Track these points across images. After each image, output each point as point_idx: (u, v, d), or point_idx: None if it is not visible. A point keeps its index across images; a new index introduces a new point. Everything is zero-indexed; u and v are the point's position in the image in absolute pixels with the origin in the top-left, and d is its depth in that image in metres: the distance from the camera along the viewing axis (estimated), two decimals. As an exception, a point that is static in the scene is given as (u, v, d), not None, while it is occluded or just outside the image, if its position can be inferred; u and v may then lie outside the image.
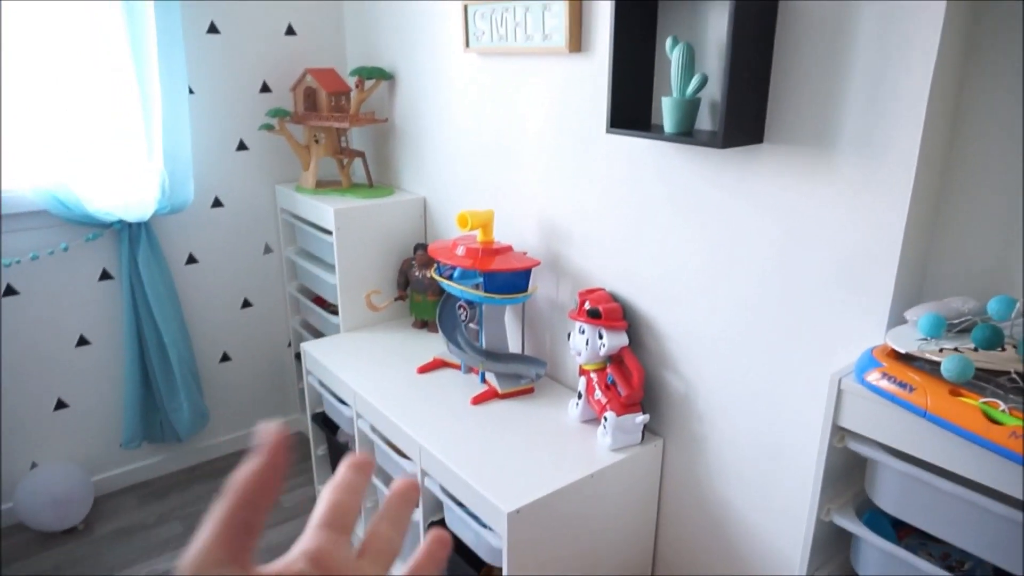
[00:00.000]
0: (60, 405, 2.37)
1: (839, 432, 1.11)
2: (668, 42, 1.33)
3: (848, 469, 1.19)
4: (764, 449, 1.46)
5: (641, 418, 1.61)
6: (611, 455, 1.61)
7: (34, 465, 2.37)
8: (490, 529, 1.52)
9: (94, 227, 2.24)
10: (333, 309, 2.38)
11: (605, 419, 1.63)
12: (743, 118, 1.25)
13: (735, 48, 1.18)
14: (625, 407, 1.62)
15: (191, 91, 2.33)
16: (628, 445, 1.64)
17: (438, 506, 1.73)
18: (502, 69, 1.89)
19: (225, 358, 2.67)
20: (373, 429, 1.92)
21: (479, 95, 2.00)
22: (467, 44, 1.93)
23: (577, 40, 1.63)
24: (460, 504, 1.61)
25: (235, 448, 2.78)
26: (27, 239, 2.17)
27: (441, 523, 1.74)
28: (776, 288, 1.36)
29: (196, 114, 2.35)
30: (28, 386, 2.30)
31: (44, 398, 2.34)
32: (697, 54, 1.37)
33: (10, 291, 2.19)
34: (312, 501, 2.48)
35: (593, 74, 1.63)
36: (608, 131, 1.42)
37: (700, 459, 1.61)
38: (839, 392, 1.08)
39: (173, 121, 2.19)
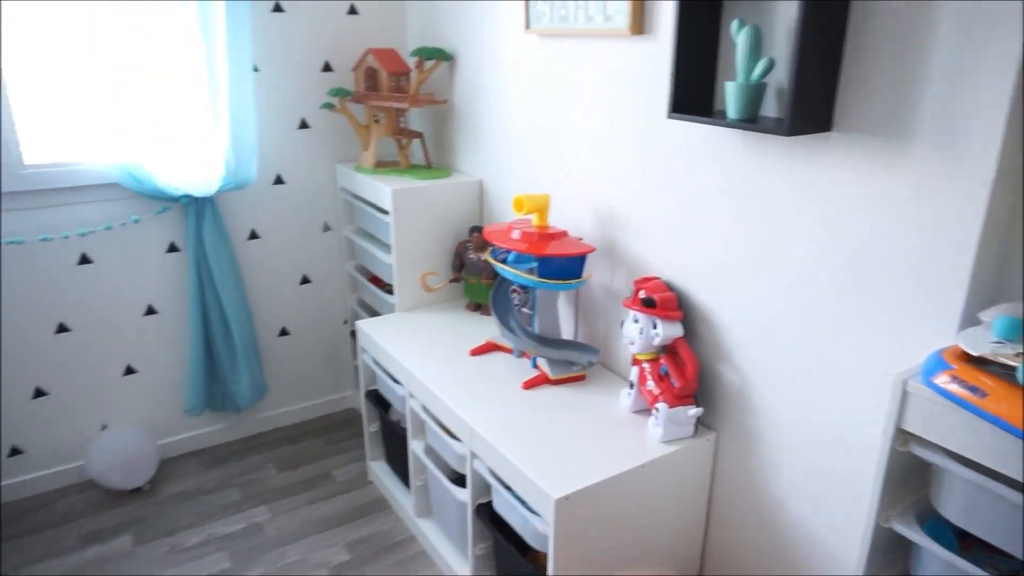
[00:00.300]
0: (129, 371, 2.48)
1: (902, 435, 1.06)
2: (734, 25, 1.28)
3: (910, 474, 1.14)
4: (822, 448, 1.41)
5: (694, 411, 1.58)
6: (662, 447, 1.59)
7: (104, 427, 2.49)
8: (537, 515, 1.52)
9: (163, 201, 2.31)
10: (389, 289, 2.41)
11: (657, 410, 1.61)
12: (811, 105, 1.20)
13: (805, 31, 1.13)
14: (678, 399, 1.59)
15: (256, 69, 2.38)
16: (680, 438, 1.61)
17: (486, 489, 1.74)
18: (562, 51, 1.86)
19: (284, 333, 2.74)
20: (424, 409, 1.94)
21: (538, 77, 1.98)
22: (527, 25, 1.90)
23: (639, 22, 1.59)
24: (508, 488, 1.61)
25: (291, 421, 2.86)
26: (101, 210, 2.26)
27: (488, 506, 1.75)
28: (840, 282, 1.31)
29: (260, 92, 2.40)
30: (100, 352, 2.41)
31: (114, 363, 2.45)
32: (764, 38, 1.31)
33: (85, 260, 2.29)
34: (364, 476, 2.54)
35: (655, 57, 1.59)
36: (669, 116, 1.39)
37: (754, 455, 1.58)
38: (904, 394, 1.03)
39: (238, 99, 2.24)
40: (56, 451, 2.43)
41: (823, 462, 1.42)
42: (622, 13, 1.60)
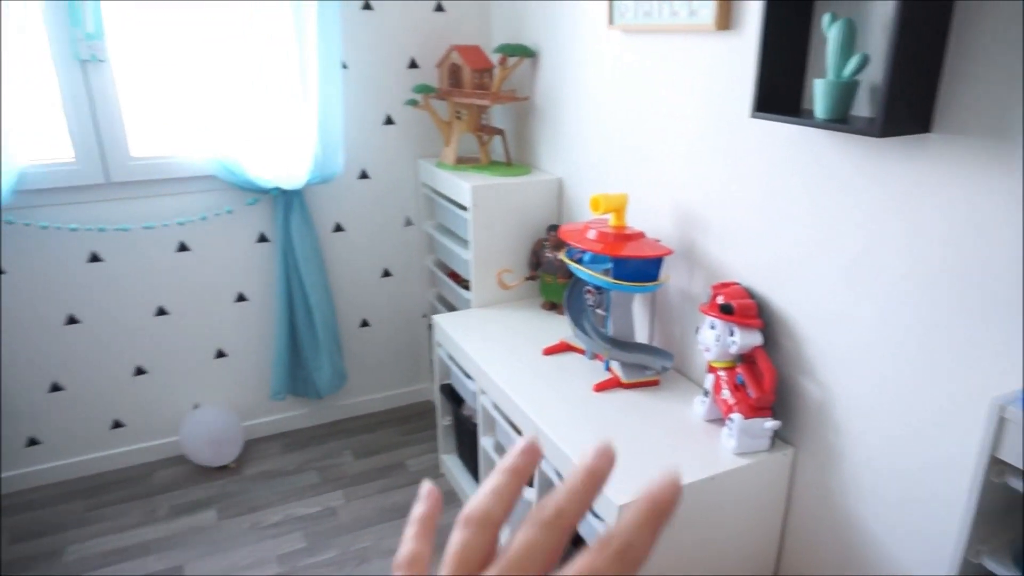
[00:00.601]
0: (220, 354, 2.61)
1: (997, 465, 0.97)
2: (825, 19, 1.21)
3: (1006, 507, 1.04)
4: (907, 472, 1.32)
5: (771, 423, 1.51)
6: (735, 459, 1.52)
7: (196, 406, 2.63)
8: (600, 519, 1.49)
9: (254, 193, 2.42)
10: (466, 284, 2.43)
11: (731, 420, 1.55)
12: (908, 104, 1.12)
13: (903, 25, 1.05)
14: (754, 410, 1.53)
15: (344, 66, 2.44)
16: (755, 451, 1.55)
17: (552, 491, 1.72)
18: (645, 47, 1.81)
19: (365, 324, 2.81)
20: (495, 406, 1.95)
21: (620, 75, 1.94)
22: (611, 21, 1.86)
23: (726, 16, 1.53)
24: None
25: (369, 409, 2.93)
26: (197, 201, 2.39)
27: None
28: (935, 295, 1.21)
29: (347, 89, 2.46)
30: (194, 335, 2.55)
31: (207, 347, 2.58)
32: (858, 32, 1.23)
33: (182, 247, 2.43)
34: (436, 468, 2.57)
35: (741, 53, 1.52)
36: (752, 115, 1.32)
37: (834, 474, 1.49)
38: (1001, 420, 0.95)
39: (327, 96, 2.31)
40: (152, 426, 2.59)
41: (910, 487, 1.32)
42: (708, 8, 1.54)
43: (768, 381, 1.51)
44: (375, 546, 2.20)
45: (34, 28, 2.06)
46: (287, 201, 2.42)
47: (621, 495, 1.40)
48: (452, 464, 2.46)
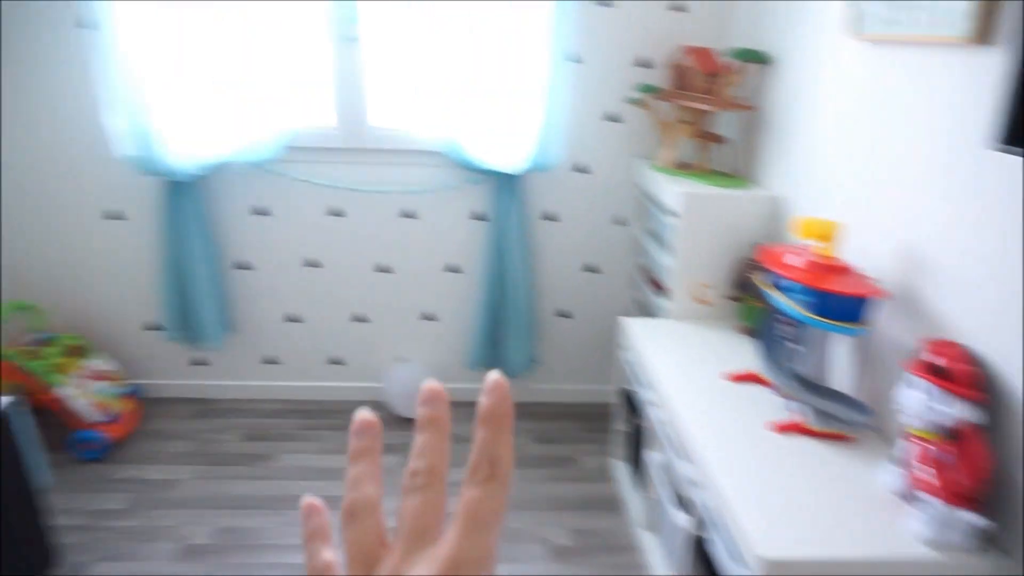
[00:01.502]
0: (427, 317, 2.81)
1: None
2: None
3: None
4: None
5: (977, 520, 1.26)
6: (922, 549, 1.30)
7: (400, 360, 2.86)
8: (748, 571, 1.37)
9: (476, 173, 2.55)
10: (664, 292, 2.34)
11: (926, 503, 1.32)
12: None
13: None
14: (958, 498, 1.29)
15: (577, 61, 2.46)
16: (950, 547, 1.30)
17: (702, 523, 1.62)
18: (889, 61, 1.58)
19: (563, 314, 2.85)
20: (666, 422, 1.87)
21: (857, 90, 1.72)
22: (855, 31, 1.66)
23: (986, 28, 1.27)
24: (721, 529, 1.48)
25: (556, 399, 2.97)
26: (425, 174, 2.59)
27: (706, 541, 1.62)
28: None
29: (574, 81, 2.48)
30: (408, 294, 2.78)
31: (416, 307, 2.80)
32: None
33: (406, 215, 2.65)
34: (605, 471, 2.54)
35: (997, 74, 1.27)
36: (995, 148, 1.10)
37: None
38: None
39: (555, 88, 2.35)
40: (362, 370, 2.88)
41: None
42: (966, 18, 1.30)
43: (982, 468, 1.26)
44: (529, 531, 2.24)
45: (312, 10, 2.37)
46: (505, 185, 2.52)
47: (771, 548, 1.27)
48: (621, 471, 2.41)
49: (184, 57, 2.29)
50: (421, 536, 0.32)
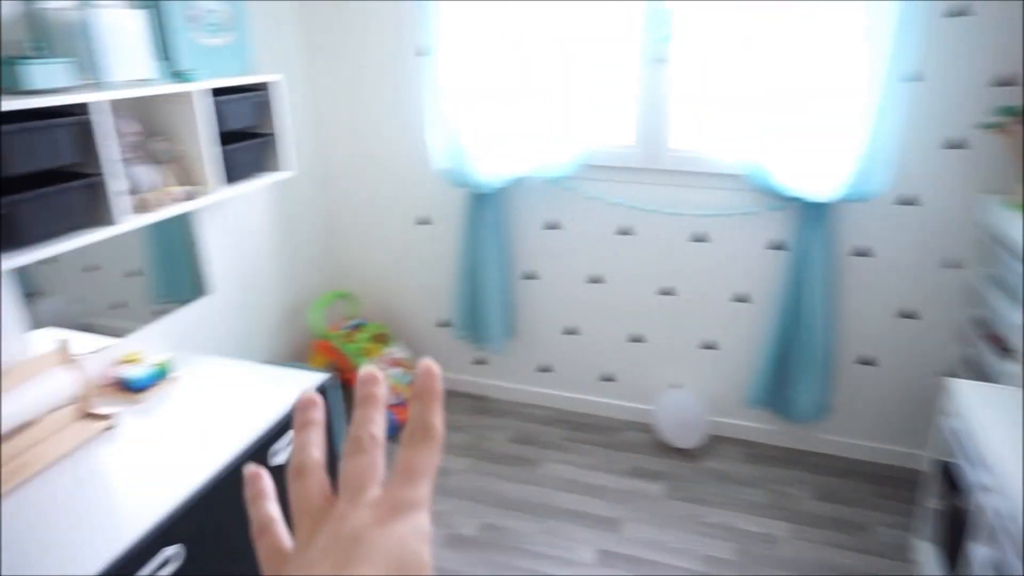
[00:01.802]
0: (707, 346, 2.67)
1: None
2: None
3: None
4: None
5: None
6: None
7: (674, 386, 2.76)
8: None
9: (778, 199, 2.34)
10: (1010, 354, 1.94)
11: None
12: None
13: None
14: None
15: (916, 78, 2.13)
16: None
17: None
18: None
19: (866, 361, 2.51)
20: (1005, 515, 1.53)
21: None
22: None
23: None
24: None
25: (846, 453, 2.63)
26: (722, 198, 2.44)
27: None
28: None
29: (910, 101, 2.15)
30: (689, 320, 2.66)
31: (697, 334, 2.67)
32: None
33: (697, 238, 2.53)
34: (905, 550, 2.19)
35: None
36: None
37: None
38: None
39: (886, 108, 2.06)
40: (634, 390, 2.83)
41: None
42: None
43: None
44: (804, 599, 2.01)
45: (625, 32, 2.36)
46: (812, 213, 2.28)
47: None
48: (927, 555, 2.05)
49: (495, 81, 2.42)
50: (362, 489, 0.35)
